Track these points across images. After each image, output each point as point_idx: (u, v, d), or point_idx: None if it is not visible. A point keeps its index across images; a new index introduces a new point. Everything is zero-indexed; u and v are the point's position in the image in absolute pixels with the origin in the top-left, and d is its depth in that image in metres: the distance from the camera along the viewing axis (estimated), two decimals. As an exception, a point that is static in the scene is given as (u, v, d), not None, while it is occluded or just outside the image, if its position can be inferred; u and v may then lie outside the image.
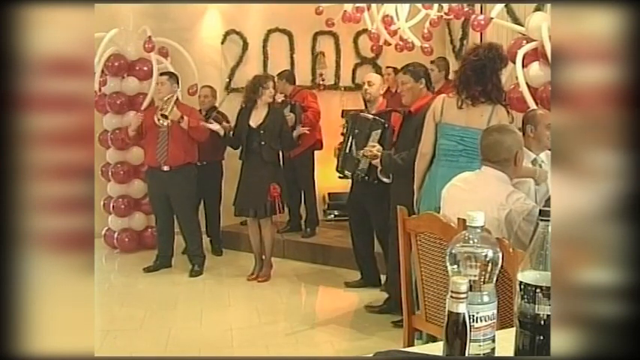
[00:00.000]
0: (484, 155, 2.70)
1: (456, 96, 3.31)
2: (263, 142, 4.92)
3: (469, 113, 3.25)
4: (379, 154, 3.99)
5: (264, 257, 5.15)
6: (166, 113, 5.11)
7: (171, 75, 5.37)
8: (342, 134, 4.77)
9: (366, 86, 4.61)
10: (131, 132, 5.33)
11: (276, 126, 4.95)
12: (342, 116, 6.25)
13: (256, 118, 4.97)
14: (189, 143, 5.25)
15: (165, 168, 5.23)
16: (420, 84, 3.94)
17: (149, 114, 5.29)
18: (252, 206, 4.98)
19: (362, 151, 4.17)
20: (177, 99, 5.27)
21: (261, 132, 4.93)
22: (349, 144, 4.44)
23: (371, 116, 4.36)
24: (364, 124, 4.37)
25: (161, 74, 5.45)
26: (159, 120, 5.12)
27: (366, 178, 4.34)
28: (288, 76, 6.15)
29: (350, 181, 4.74)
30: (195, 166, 5.40)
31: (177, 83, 5.35)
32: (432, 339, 2.62)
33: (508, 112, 3.28)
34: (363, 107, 5.44)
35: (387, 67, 6.28)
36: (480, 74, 3.21)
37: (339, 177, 4.76)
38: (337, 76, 7.12)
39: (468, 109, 3.25)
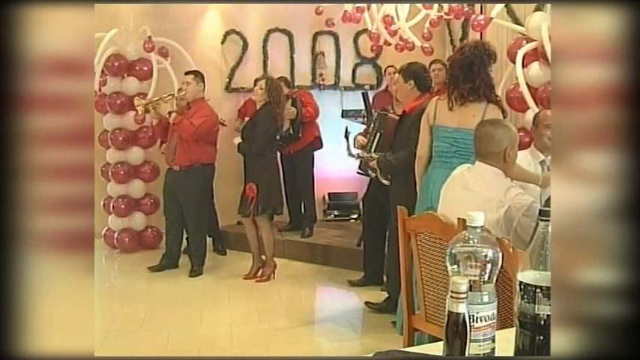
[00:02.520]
0: (476, 149, 2.69)
1: (447, 98, 3.30)
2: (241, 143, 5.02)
3: (461, 114, 3.24)
4: (376, 156, 3.99)
5: (263, 257, 5.15)
6: (143, 101, 5.20)
7: (197, 74, 5.32)
8: (367, 132, 4.74)
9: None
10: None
11: (254, 126, 4.96)
12: (343, 116, 6.24)
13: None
14: (195, 144, 5.22)
15: (176, 168, 5.28)
16: (408, 85, 3.92)
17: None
18: (240, 204, 5.06)
19: (359, 152, 4.17)
20: (202, 97, 5.30)
21: (242, 134, 5.02)
22: (374, 145, 4.37)
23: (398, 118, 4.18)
24: (391, 126, 4.20)
25: (186, 73, 5.37)
26: (138, 106, 5.23)
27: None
28: (285, 80, 6.22)
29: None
30: (207, 167, 5.35)
31: (203, 82, 5.32)
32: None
33: (502, 109, 3.26)
34: (363, 107, 5.45)
35: (388, 66, 6.28)
36: (468, 71, 3.19)
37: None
38: (337, 76, 7.12)
39: (461, 110, 3.24)
